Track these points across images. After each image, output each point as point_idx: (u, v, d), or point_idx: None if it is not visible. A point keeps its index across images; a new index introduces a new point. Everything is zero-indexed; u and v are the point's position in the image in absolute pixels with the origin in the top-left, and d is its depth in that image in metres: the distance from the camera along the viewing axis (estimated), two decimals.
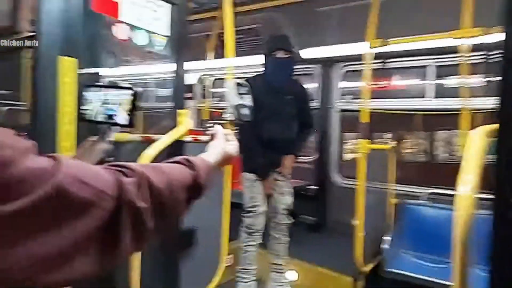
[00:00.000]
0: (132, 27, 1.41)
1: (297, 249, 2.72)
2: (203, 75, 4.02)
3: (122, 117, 0.79)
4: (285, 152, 2.44)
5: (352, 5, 2.99)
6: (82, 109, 0.86)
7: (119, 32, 1.38)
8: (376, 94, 3.25)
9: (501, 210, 0.48)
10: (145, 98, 4.20)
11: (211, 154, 0.80)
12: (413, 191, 3.05)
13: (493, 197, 0.48)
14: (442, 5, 2.47)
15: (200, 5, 3.50)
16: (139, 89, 0.78)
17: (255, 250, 2.43)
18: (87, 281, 0.47)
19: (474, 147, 0.86)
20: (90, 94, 0.83)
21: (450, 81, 3.09)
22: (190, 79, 4.58)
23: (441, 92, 3.14)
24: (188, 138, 1.72)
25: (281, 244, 2.51)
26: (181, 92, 1.69)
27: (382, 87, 2.61)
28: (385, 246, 2.51)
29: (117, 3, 1.38)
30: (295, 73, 2.48)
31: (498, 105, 0.48)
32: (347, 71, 3.51)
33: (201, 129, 3.90)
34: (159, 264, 1.61)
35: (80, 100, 0.86)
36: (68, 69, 1.13)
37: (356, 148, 2.58)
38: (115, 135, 1.48)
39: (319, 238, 3.38)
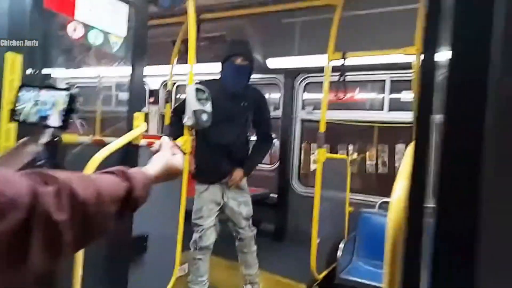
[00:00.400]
0: (87, 26, 1.38)
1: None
2: (165, 80, 3.97)
3: (55, 119, 0.76)
4: (236, 161, 2.38)
5: (317, 18, 3.08)
6: (14, 109, 0.82)
7: (73, 31, 1.35)
8: (338, 106, 3.38)
9: (415, 215, 0.51)
10: (105, 101, 4.07)
11: (153, 166, 0.78)
12: (369, 200, 3.17)
13: (409, 202, 0.52)
14: (401, 22, 2.62)
15: (166, 10, 3.47)
16: (76, 91, 0.76)
17: (205, 262, 2.37)
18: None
19: (408, 158, 0.92)
20: (23, 94, 0.80)
21: (406, 95, 3.27)
22: (154, 84, 4.52)
23: (399, 106, 3.31)
24: (143, 142, 1.70)
25: (248, 254, 2.46)
26: (139, 95, 1.67)
27: (341, 99, 2.70)
28: (339, 253, 2.58)
29: (73, 1, 1.35)
30: (251, 80, 2.46)
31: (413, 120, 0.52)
32: (309, 82, 3.61)
33: (162, 134, 3.84)
34: (106, 269, 1.56)
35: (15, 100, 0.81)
36: (12, 65, 1.09)
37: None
38: (65, 137, 1.44)
39: (279, 246, 3.41)
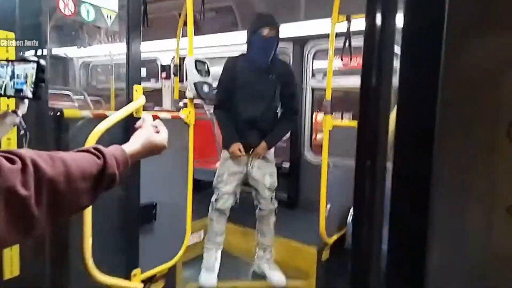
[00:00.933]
0: (79, 1, 1.40)
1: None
2: (174, 55, 3.97)
3: (28, 90, 0.79)
4: (264, 133, 2.41)
5: None
6: None
7: (65, 6, 1.37)
8: (347, 72, 3.30)
9: (360, 172, 0.53)
10: (119, 78, 4.14)
11: (132, 144, 0.80)
12: None
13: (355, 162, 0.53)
14: None
15: None
16: (42, 61, 0.78)
17: (221, 224, 2.49)
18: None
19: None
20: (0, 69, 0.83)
21: None
22: (165, 59, 4.54)
23: None
24: (145, 114, 1.74)
25: (265, 225, 2.55)
26: (137, 69, 1.70)
27: (347, 66, 2.63)
28: (349, 218, 2.60)
29: None
30: (277, 52, 2.42)
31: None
32: (318, 50, 3.52)
33: (173, 109, 3.90)
34: (116, 238, 1.66)
35: None
36: (5, 44, 1.13)
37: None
38: (66, 112, 1.50)
39: (291, 213, 3.47)
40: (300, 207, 3.59)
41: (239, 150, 2.36)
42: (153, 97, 4.84)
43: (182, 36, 3.59)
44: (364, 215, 0.56)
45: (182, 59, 4.17)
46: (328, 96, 2.47)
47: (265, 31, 2.28)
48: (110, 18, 1.51)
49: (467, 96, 0.44)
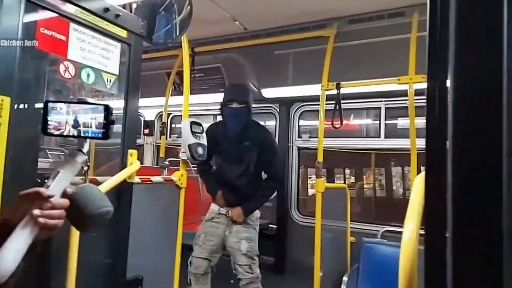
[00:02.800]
0: (79, 65, 1.37)
1: None
2: (160, 111, 3.97)
3: (97, 131, 0.81)
4: (242, 197, 2.43)
5: (310, 49, 3.13)
6: (49, 122, 0.82)
7: (65, 70, 1.33)
8: (334, 134, 3.37)
9: (432, 245, 0.48)
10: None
11: None
12: (370, 229, 3.09)
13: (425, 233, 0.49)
14: (391, 52, 2.67)
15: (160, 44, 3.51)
16: (110, 105, 0.81)
17: (195, 284, 2.37)
18: None
19: (417, 192, 0.88)
20: (58, 108, 0.82)
21: (402, 122, 3.28)
22: (149, 115, 4.52)
23: (395, 132, 3.31)
24: (137, 179, 1.65)
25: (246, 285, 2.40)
26: (133, 131, 1.64)
27: (338, 128, 2.69)
28: (343, 287, 2.48)
29: (66, 41, 1.34)
30: (249, 121, 2.51)
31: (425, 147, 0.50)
32: (304, 111, 3.62)
33: (157, 166, 3.79)
34: None
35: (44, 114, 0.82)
36: (0, 109, 1.06)
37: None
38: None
39: (279, 279, 3.28)
40: (288, 271, 3.42)
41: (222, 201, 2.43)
42: None
43: (171, 95, 3.62)
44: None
45: (168, 116, 4.17)
46: (320, 157, 2.48)
47: (234, 104, 2.41)
48: (110, 81, 1.48)
49: None
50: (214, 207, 2.48)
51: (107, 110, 0.81)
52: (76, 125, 0.82)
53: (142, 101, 4.28)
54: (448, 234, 0.47)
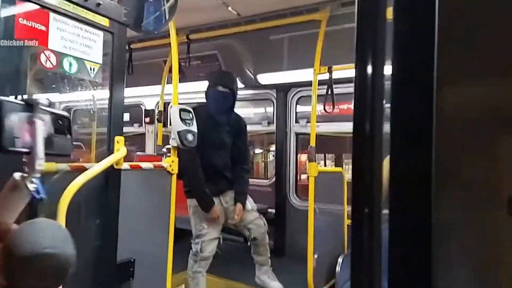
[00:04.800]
0: (61, 55, 1.40)
1: (254, 275, 2.69)
2: (158, 101, 4.00)
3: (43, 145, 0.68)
4: (229, 180, 2.51)
5: (304, 33, 3.10)
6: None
7: (46, 60, 1.36)
8: (330, 118, 3.36)
9: (358, 219, 0.51)
10: (102, 123, 4.11)
11: None
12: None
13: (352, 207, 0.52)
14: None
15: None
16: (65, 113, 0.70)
17: (203, 276, 2.41)
18: None
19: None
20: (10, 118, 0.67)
21: None
22: (149, 104, 4.55)
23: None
24: (126, 165, 1.69)
25: (261, 247, 2.62)
26: (119, 119, 1.67)
27: (330, 113, 2.69)
28: (338, 269, 2.52)
29: (45, 31, 1.37)
30: (233, 107, 2.57)
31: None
32: (301, 96, 3.61)
33: (155, 154, 3.85)
34: None
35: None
36: None
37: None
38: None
39: (278, 262, 3.34)
40: (287, 255, 3.47)
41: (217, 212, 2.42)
42: (136, 142, 4.79)
43: (167, 83, 3.63)
44: (362, 265, 0.53)
45: (166, 105, 4.20)
46: (313, 142, 2.49)
47: (220, 87, 2.46)
48: (93, 70, 1.51)
49: (461, 137, 0.45)
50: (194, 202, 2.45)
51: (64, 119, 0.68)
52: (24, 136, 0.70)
53: (142, 90, 4.35)
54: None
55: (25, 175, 0.74)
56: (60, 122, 0.72)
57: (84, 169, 1.46)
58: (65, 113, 0.73)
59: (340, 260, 2.60)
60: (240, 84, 3.59)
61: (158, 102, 3.90)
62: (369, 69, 0.54)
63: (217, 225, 2.45)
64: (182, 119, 1.99)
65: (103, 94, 1.68)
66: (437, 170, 0.44)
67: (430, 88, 0.44)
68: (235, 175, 2.55)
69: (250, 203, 2.59)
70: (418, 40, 0.47)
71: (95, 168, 1.44)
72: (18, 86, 1.25)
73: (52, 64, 1.36)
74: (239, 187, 2.53)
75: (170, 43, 3.52)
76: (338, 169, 3.03)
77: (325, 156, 4.65)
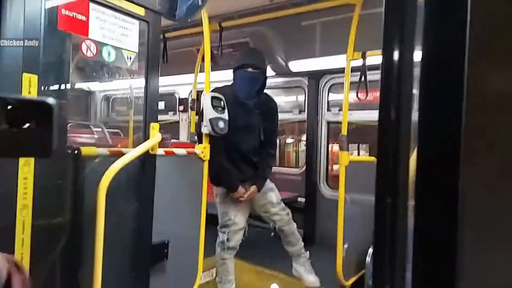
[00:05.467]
0: (100, 44, 1.45)
1: (283, 264, 2.71)
2: (192, 89, 4.07)
3: None
4: (255, 166, 2.44)
5: (337, 18, 3.02)
6: None
7: (87, 49, 1.42)
8: (363, 106, 3.28)
9: (380, 209, 0.50)
10: (139, 111, 4.25)
11: None
12: None
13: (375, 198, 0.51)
14: None
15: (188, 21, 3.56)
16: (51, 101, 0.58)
17: (231, 262, 2.43)
18: None
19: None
20: None
21: None
22: (183, 92, 4.65)
23: None
24: (160, 151, 1.75)
25: (289, 236, 2.56)
26: (154, 106, 1.72)
27: (362, 100, 2.62)
28: (368, 259, 2.48)
29: (86, 21, 1.43)
30: (263, 89, 2.46)
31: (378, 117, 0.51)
32: (334, 83, 3.53)
33: (189, 141, 3.94)
34: (127, 278, 1.62)
35: None
36: (28, 86, 1.17)
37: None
38: (84, 149, 1.52)
39: (308, 251, 3.35)
40: (316, 243, 3.47)
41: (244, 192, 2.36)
42: (171, 130, 4.92)
43: (200, 71, 3.68)
44: (385, 256, 0.52)
45: (199, 93, 4.26)
46: (344, 131, 2.45)
47: (249, 69, 2.33)
48: (130, 58, 1.56)
49: (492, 128, 0.43)
50: (222, 190, 2.41)
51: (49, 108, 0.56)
52: None
53: (177, 79, 4.44)
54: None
55: None
56: (40, 112, 0.58)
57: (122, 154, 1.53)
58: (47, 99, 0.58)
59: (370, 251, 2.57)
60: (271, 72, 3.57)
61: (191, 91, 3.96)
62: (396, 56, 0.53)
63: (243, 215, 2.41)
64: (213, 106, 2.02)
65: (139, 83, 1.74)
66: (466, 161, 0.42)
67: (461, 75, 0.42)
68: (259, 159, 2.47)
69: (276, 195, 2.53)
70: (450, 24, 0.45)
71: (132, 153, 1.50)
72: (62, 75, 1.33)
73: (92, 53, 1.42)
74: (260, 170, 2.46)
75: (202, 31, 3.57)
76: (371, 158, 2.95)
77: (358, 146, 4.55)
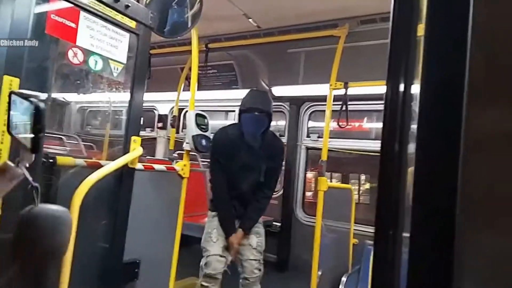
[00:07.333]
0: (88, 52, 1.43)
1: None
2: (173, 106, 4.05)
3: (27, 139, 0.62)
4: (246, 205, 2.29)
5: (322, 48, 3.13)
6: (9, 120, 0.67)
7: (74, 56, 1.39)
8: (343, 135, 3.36)
9: (381, 241, 0.49)
10: (117, 125, 4.17)
11: None
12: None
13: (374, 229, 0.50)
14: None
15: (175, 39, 3.59)
16: (42, 105, 0.60)
17: None
18: None
19: None
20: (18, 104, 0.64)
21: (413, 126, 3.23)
22: (163, 109, 4.61)
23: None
24: (139, 166, 1.70)
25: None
26: (137, 120, 1.69)
27: (343, 128, 2.69)
28: (341, 287, 2.47)
29: (75, 28, 1.41)
30: (269, 127, 2.32)
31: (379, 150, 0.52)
32: (314, 111, 3.62)
33: (167, 158, 3.87)
34: None
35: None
36: (8, 88, 1.12)
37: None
38: (60, 159, 1.46)
39: (281, 277, 3.30)
40: (290, 269, 3.43)
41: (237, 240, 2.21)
42: (146, 146, 4.82)
43: (183, 90, 3.68)
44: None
45: (180, 111, 4.24)
46: (324, 156, 2.49)
47: (257, 112, 2.22)
48: (117, 69, 1.54)
49: (490, 161, 0.43)
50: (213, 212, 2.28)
51: (38, 113, 0.57)
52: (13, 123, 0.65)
53: (157, 95, 4.41)
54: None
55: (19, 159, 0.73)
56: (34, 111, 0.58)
57: (99, 166, 1.47)
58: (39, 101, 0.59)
59: (344, 279, 2.56)
60: None
61: (173, 108, 3.94)
62: (401, 87, 0.54)
63: (224, 241, 2.21)
64: (197, 124, 2.01)
65: (121, 96, 1.70)
66: (463, 196, 0.42)
67: (459, 108, 0.42)
68: (253, 199, 2.30)
69: (258, 242, 2.29)
70: (450, 58, 0.46)
71: (110, 166, 1.45)
72: (44, 80, 1.28)
73: (78, 60, 1.39)
74: (249, 211, 2.29)
75: (187, 50, 3.60)
76: (348, 186, 3.00)
77: (331, 175, 4.62)
